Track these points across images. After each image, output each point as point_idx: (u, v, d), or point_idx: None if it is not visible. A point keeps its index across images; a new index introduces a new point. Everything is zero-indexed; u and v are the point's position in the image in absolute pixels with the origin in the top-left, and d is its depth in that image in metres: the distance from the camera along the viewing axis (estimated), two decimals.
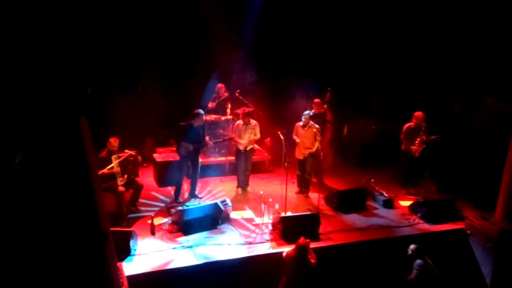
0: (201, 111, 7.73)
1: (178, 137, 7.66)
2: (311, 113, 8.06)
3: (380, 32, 10.33)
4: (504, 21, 8.54)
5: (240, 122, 8.11)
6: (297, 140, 8.00)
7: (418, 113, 8.30)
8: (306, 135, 7.95)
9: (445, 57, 9.78)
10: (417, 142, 8.27)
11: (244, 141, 7.99)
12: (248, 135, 8.01)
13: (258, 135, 8.15)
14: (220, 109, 9.33)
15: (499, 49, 8.71)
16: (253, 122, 8.10)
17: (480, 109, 9.49)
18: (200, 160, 8.08)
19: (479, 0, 8.97)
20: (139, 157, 7.18)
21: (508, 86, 8.47)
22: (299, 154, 8.09)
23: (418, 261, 5.90)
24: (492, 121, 9.07)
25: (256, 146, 9.56)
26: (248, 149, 8.08)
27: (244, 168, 8.22)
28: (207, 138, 8.94)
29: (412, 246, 6.02)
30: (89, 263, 3.59)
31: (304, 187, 8.31)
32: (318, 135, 7.89)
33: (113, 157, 6.80)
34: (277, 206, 7.31)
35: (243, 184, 8.33)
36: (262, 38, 9.87)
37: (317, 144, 7.97)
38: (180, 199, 7.82)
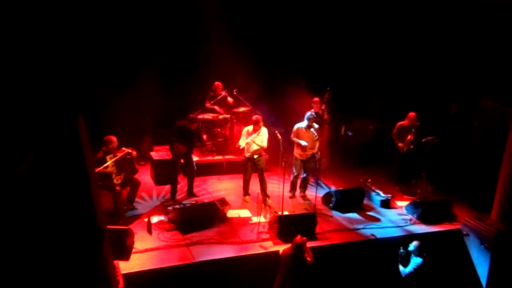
0: (196, 117, 7.84)
1: (171, 137, 7.70)
2: (314, 114, 7.91)
3: (379, 34, 10.35)
4: (501, 23, 8.58)
5: (249, 128, 7.67)
6: (303, 143, 7.67)
7: (411, 114, 8.53)
8: (309, 136, 7.77)
9: (442, 59, 9.81)
10: (405, 141, 8.49)
11: (253, 148, 7.58)
12: (261, 143, 7.56)
13: (265, 144, 7.61)
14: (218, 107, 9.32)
15: (496, 51, 8.76)
16: (263, 128, 7.61)
17: (477, 111, 9.53)
18: (196, 158, 8.07)
19: (475, 2, 9.00)
20: (134, 153, 7.14)
21: (505, 88, 8.52)
22: (302, 155, 7.89)
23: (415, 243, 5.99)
24: (489, 123, 9.11)
25: None
26: (255, 157, 7.66)
27: (249, 177, 7.84)
28: (204, 137, 8.94)
29: (414, 243, 6.06)
30: (85, 261, 3.58)
31: (302, 187, 8.22)
32: (316, 134, 7.86)
33: (108, 156, 6.77)
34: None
35: (248, 191, 7.96)
36: (261, 37, 9.88)
37: (317, 144, 7.90)
38: (177, 198, 7.82)
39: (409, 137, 8.46)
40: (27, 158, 2.97)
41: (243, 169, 7.87)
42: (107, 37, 8.46)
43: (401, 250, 6.12)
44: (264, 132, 7.61)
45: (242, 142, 7.62)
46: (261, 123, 7.59)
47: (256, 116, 7.76)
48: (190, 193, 7.99)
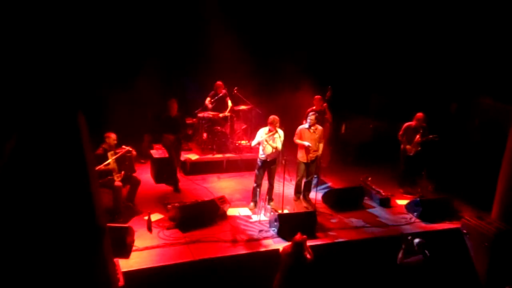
0: (173, 100, 7.83)
1: (160, 130, 7.86)
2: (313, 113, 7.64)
3: (379, 32, 10.35)
4: (501, 22, 8.58)
5: (265, 129, 7.25)
6: (306, 144, 7.44)
7: (419, 114, 8.37)
8: (313, 137, 7.57)
9: (443, 58, 9.81)
10: (413, 142, 8.36)
11: (268, 151, 7.21)
12: (274, 144, 7.17)
13: (279, 146, 7.20)
14: (218, 106, 9.31)
15: (496, 50, 8.75)
16: (279, 130, 7.18)
17: (477, 110, 9.54)
18: (196, 156, 8.08)
19: (476, 2, 9.00)
20: (134, 152, 7.11)
21: (505, 87, 8.52)
22: (305, 158, 7.61)
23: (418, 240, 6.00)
24: (489, 122, 9.12)
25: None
26: (269, 160, 7.33)
27: (261, 182, 7.45)
28: (204, 135, 8.92)
29: (416, 240, 6.05)
30: (85, 258, 3.57)
31: (306, 190, 7.97)
32: (321, 136, 7.74)
33: (109, 153, 6.77)
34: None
35: (256, 199, 7.55)
36: (261, 35, 9.87)
37: (321, 146, 7.73)
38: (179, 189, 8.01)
39: (416, 138, 8.30)
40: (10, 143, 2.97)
41: (256, 172, 7.46)
42: (108, 34, 8.45)
43: (409, 238, 6.09)
44: (280, 134, 7.15)
45: (253, 142, 7.34)
46: (277, 124, 7.13)
47: (272, 116, 7.20)
48: (175, 189, 8.08)
